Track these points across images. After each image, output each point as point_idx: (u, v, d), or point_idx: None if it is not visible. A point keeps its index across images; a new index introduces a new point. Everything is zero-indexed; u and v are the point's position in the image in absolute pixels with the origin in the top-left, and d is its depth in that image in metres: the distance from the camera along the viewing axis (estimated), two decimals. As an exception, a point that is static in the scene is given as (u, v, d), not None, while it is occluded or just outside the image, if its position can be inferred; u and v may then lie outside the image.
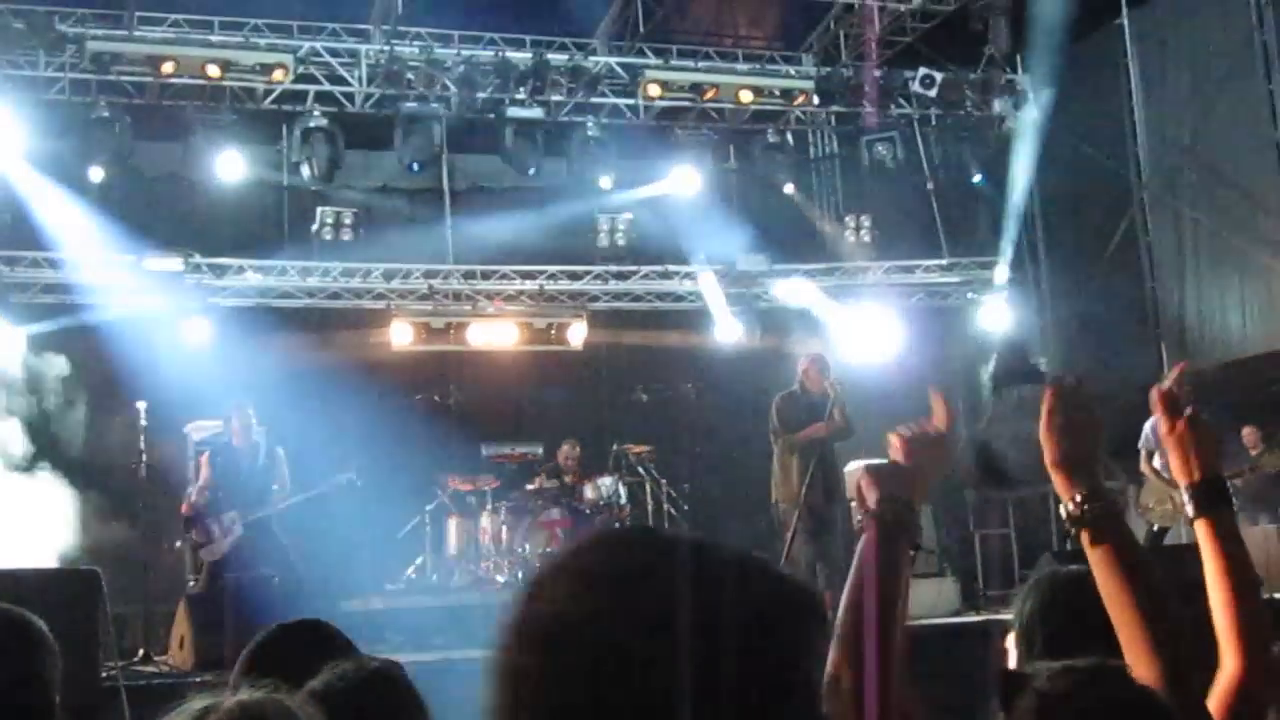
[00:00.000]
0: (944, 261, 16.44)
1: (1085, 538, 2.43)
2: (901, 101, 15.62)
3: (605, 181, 15.25)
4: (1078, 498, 2.44)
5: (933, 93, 15.33)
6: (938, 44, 15.18)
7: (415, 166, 14.53)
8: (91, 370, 13.24)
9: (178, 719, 2.00)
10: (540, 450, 14.41)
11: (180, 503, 12.12)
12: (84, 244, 13.90)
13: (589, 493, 13.85)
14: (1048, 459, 2.50)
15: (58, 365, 12.97)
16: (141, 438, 11.78)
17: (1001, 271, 15.71)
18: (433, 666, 9.83)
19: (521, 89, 14.51)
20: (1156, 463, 12.06)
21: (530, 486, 13.94)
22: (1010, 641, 3.28)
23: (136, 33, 13.49)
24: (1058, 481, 2.48)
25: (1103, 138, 14.93)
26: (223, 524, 11.74)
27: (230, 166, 13.93)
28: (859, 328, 15.59)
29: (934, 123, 15.82)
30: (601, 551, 1.41)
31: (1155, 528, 12.54)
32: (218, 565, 11.67)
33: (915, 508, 2.51)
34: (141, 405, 11.83)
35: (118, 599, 10.25)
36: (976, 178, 15.89)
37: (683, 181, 15.48)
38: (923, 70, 15.23)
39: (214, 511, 11.78)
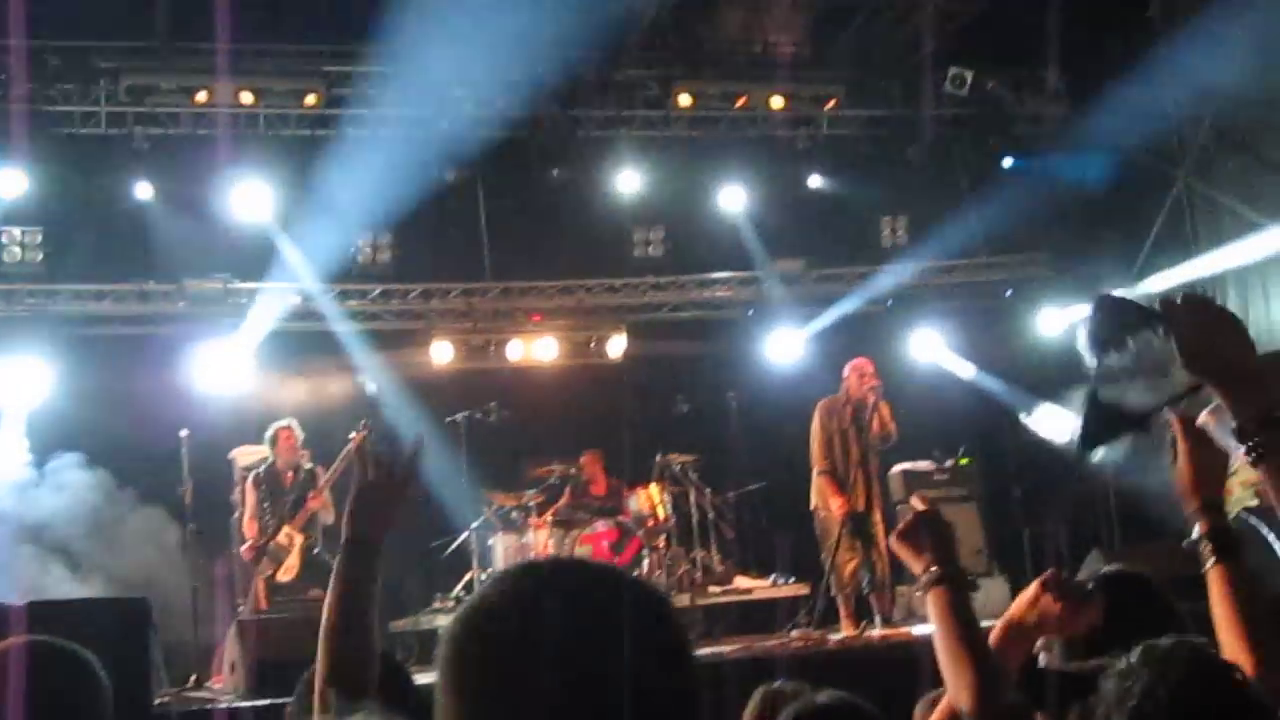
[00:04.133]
0: (984, 260, 16.38)
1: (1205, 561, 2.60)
2: (934, 102, 15.58)
3: (638, 193, 15.28)
4: (1202, 529, 2.61)
5: (964, 91, 15.28)
6: (970, 43, 15.12)
7: (449, 184, 14.60)
8: (132, 397, 13.32)
9: None
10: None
11: (235, 534, 12.22)
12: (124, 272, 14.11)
13: (632, 505, 13.86)
14: (1180, 488, 2.64)
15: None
16: (185, 464, 11.85)
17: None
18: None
19: (552, 104, 14.56)
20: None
21: (565, 500, 13.99)
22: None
23: (170, 64, 13.62)
24: (1188, 507, 2.63)
25: (1137, 128, 14.80)
26: (281, 544, 11.85)
27: (263, 195, 14.02)
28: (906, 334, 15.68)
29: (966, 121, 15.76)
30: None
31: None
32: (277, 588, 11.77)
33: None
34: (184, 432, 11.91)
35: (167, 626, 10.31)
36: (1007, 162, 15.82)
37: (717, 191, 15.53)
38: (954, 69, 15.18)
39: (270, 534, 11.88)
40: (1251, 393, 2.27)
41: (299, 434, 12.28)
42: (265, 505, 12.04)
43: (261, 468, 12.32)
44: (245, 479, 12.36)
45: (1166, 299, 2.34)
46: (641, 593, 1.69)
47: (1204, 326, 2.29)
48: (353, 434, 11.99)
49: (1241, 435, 2.29)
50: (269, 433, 12.31)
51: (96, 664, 2.97)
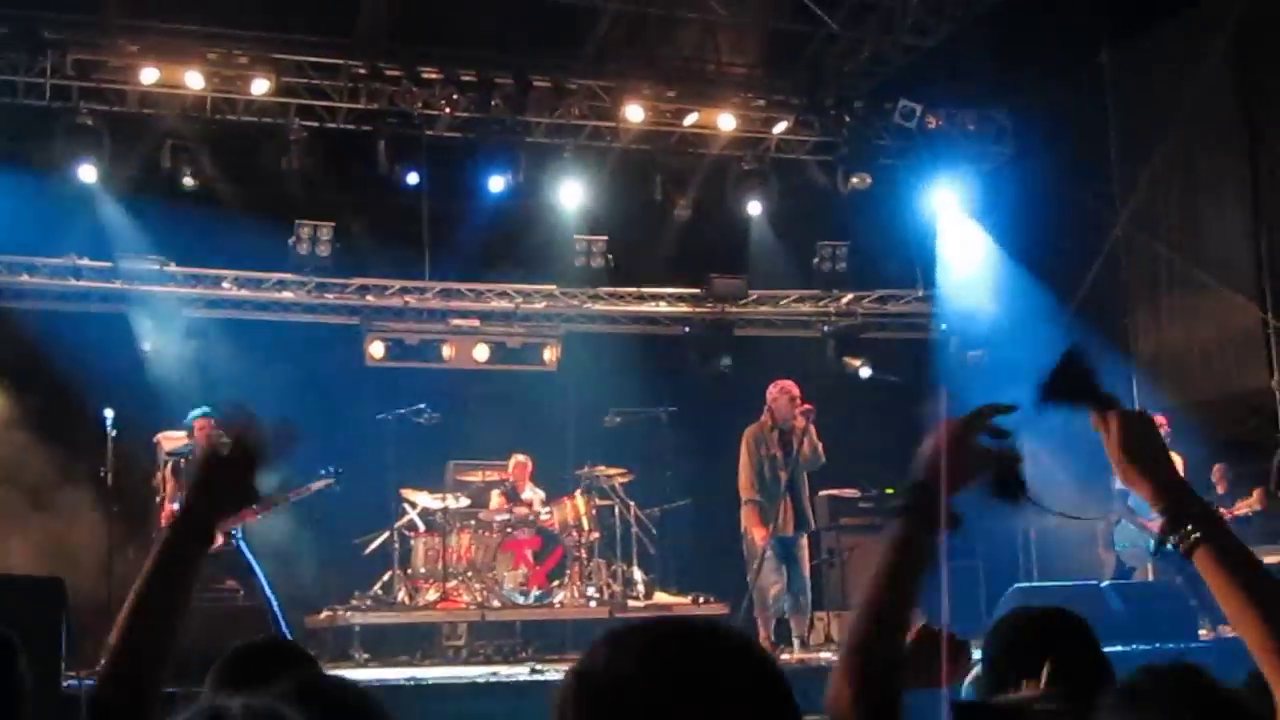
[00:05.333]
0: (919, 292, 16.49)
1: (1183, 546, 2.42)
2: (881, 133, 15.68)
3: (583, 203, 15.29)
4: (1165, 510, 2.46)
5: (913, 125, 15.38)
6: (920, 77, 15.24)
7: (402, 178, 14.53)
8: (59, 375, 13.17)
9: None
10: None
11: (155, 518, 12.06)
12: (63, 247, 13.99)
13: (557, 514, 13.84)
14: (1123, 478, 2.50)
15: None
16: (109, 445, 11.70)
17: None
18: (398, 685, 9.81)
19: (503, 108, 14.54)
20: (1131, 501, 12.08)
21: (493, 506, 13.94)
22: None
23: (119, 41, 13.49)
24: (1146, 496, 2.48)
25: (1082, 172, 14.99)
26: None
27: (206, 177, 13.91)
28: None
29: (913, 155, 15.87)
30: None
31: (1125, 565, 12.62)
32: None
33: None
34: (109, 412, 11.75)
35: (82, 607, 10.18)
36: (944, 199, 15.98)
37: (662, 206, 15.57)
38: (904, 102, 15.27)
39: None
40: (1169, 494, 2.46)
41: (216, 426, 12.00)
42: (182, 493, 11.82)
43: (184, 454, 12.09)
44: (167, 464, 12.20)
45: (1107, 408, 2.50)
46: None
47: (1138, 436, 2.48)
48: (323, 480, 11.75)
49: (1167, 529, 2.44)
50: (188, 419, 12.09)
51: (17, 642, 2.89)
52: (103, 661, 2.47)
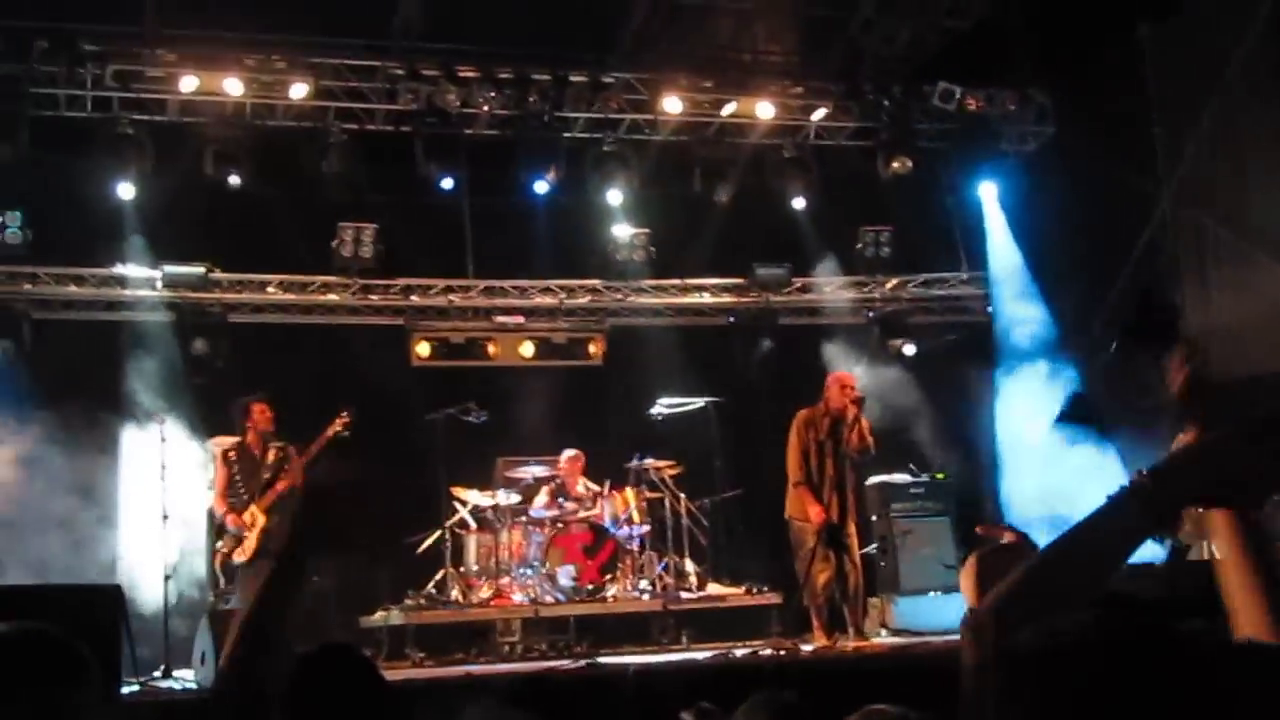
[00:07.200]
0: (964, 275, 16.42)
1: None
2: (921, 116, 15.61)
3: (623, 197, 15.29)
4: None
5: (952, 107, 15.32)
6: (958, 59, 15.15)
7: (437, 183, 14.57)
8: (109, 385, 13.28)
9: None
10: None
11: (211, 522, 12.16)
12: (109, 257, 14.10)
13: (608, 508, 13.85)
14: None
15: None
16: (162, 451, 11.77)
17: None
18: (453, 683, 9.83)
19: (541, 105, 14.55)
20: None
21: (543, 501, 13.95)
22: None
23: (158, 51, 13.57)
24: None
25: (1124, 151, 14.85)
26: (245, 524, 11.63)
27: (249, 183, 13.97)
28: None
29: (954, 137, 15.80)
30: None
31: (1178, 544, 12.50)
32: (232, 569, 11.61)
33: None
34: (163, 420, 11.83)
35: (140, 615, 10.29)
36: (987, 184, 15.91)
37: (701, 195, 15.56)
38: (943, 85, 15.21)
39: (238, 511, 11.66)
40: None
41: (270, 410, 11.99)
42: (237, 480, 11.79)
43: (233, 444, 12.05)
44: (219, 452, 12.14)
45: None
46: None
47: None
48: (339, 419, 11.85)
49: None
50: (240, 405, 12.03)
51: (88, 656, 2.87)
52: (220, 668, 2.84)
